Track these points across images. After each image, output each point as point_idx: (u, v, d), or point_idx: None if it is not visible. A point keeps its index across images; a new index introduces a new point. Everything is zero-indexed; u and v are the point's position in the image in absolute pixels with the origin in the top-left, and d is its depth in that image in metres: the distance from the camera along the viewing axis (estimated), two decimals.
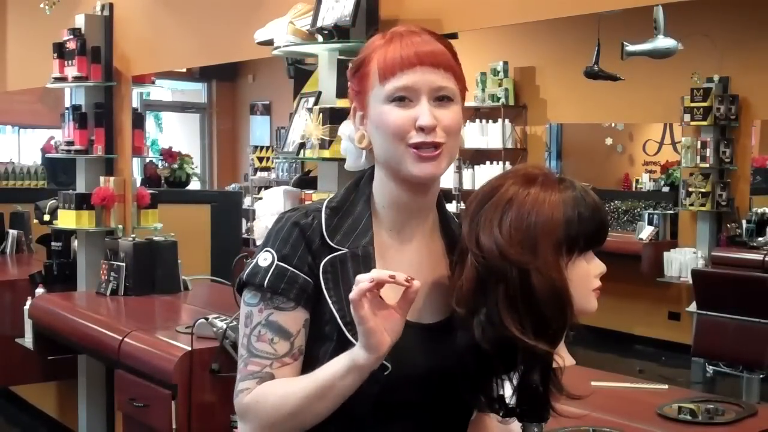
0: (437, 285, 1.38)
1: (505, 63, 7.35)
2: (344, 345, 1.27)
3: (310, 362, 1.31)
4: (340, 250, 1.33)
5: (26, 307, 4.32)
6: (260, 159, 8.40)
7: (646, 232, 6.69)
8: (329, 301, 1.30)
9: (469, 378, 1.35)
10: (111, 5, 4.60)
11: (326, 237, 1.33)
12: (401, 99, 1.31)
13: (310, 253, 1.32)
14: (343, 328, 1.28)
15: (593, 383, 2.40)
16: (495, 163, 7.31)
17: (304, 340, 1.32)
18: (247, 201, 7.52)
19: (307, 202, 1.43)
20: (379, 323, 1.19)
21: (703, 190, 6.28)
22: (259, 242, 2.18)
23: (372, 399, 1.27)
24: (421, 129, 1.30)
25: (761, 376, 4.20)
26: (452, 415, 1.38)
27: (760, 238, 5.95)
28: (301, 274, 1.31)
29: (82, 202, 4.36)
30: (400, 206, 1.37)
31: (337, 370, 1.24)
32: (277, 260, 1.31)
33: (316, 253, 1.32)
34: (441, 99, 1.32)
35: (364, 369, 1.22)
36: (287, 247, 1.32)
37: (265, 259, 1.32)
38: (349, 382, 1.23)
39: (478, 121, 7.44)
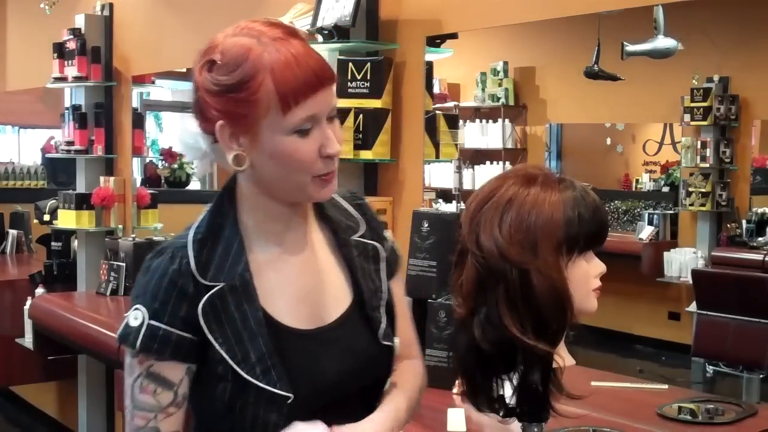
0: (331, 282, 1.34)
1: (505, 63, 7.34)
2: (242, 385, 1.23)
3: (209, 400, 1.26)
4: (216, 285, 1.24)
5: (26, 307, 4.32)
6: None
7: (646, 232, 6.68)
8: (215, 345, 1.23)
9: (469, 378, 1.35)
10: (111, 5, 4.60)
11: (198, 277, 1.24)
12: (306, 130, 1.22)
13: (185, 302, 1.24)
14: (237, 368, 1.23)
15: (593, 383, 2.39)
16: (495, 163, 7.29)
17: (188, 386, 1.26)
18: None
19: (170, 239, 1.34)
20: None
21: (703, 190, 6.27)
22: None
23: (282, 426, 1.24)
24: (327, 157, 1.24)
25: (761, 376, 4.20)
26: (368, 399, 1.36)
27: (760, 238, 5.94)
28: (175, 331, 1.23)
29: (82, 202, 4.37)
30: (279, 219, 1.30)
31: None
32: (148, 319, 1.23)
33: (193, 298, 1.24)
34: (332, 116, 1.26)
35: None
36: (157, 302, 1.24)
37: (135, 318, 1.24)
38: None
39: (477, 121, 7.44)
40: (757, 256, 5.71)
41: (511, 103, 7.43)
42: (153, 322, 1.23)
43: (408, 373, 1.43)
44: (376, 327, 1.35)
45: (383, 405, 1.35)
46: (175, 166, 5.72)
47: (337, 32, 2.90)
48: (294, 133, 1.22)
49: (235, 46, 1.23)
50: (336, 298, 1.33)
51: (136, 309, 1.25)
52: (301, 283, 1.31)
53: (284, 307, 1.28)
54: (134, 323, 1.24)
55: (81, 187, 4.59)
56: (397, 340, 1.38)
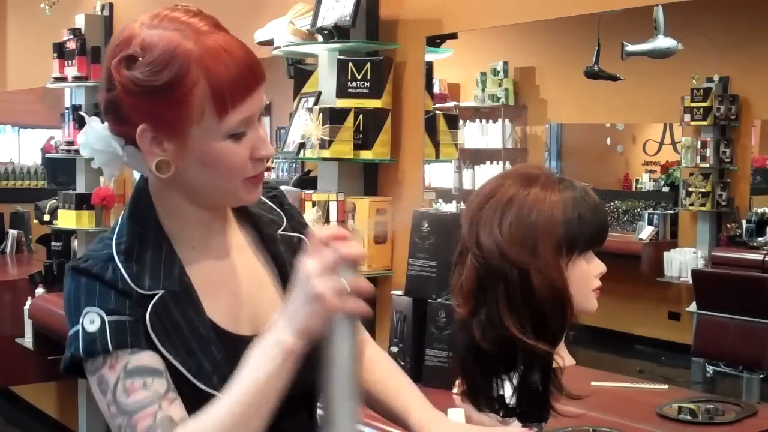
0: (262, 283, 1.27)
1: (505, 63, 7.33)
2: (199, 397, 1.12)
3: None
4: (156, 293, 1.14)
5: (26, 307, 4.33)
6: None
7: (646, 232, 6.68)
8: (169, 357, 1.12)
9: (469, 378, 1.35)
10: (111, 5, 4.60)
11: (135, 287, 1.13)
12: (240, 134, 1.12)
13: (133, 306, 1.13)
14: (194, 381, 1.13)
15: (593, 383, 2.39)
16: (495, 163, 7.28)
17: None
18: None
19: (98, 243, 1.21)
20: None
21: (703, 190, 6.26)
22: None
23: None
24: (260, 159, 1.15)
25: (761, 376, 4.20)
26: (311, 401, 1.30)
27: (760, 238, 5.93)
28: (136, 321, 1.12)
29: (82, 202, 4.38)
30: (199, 225, 1.21)
31: (269, 369, 1.05)
32: (107, 315, 1.11)
33: (137, 307, 1.13)
34: (261, 115, 1.16)
35: (297, 354, 1.06)
36: (108, 300, 1.12)
37: (91, 321, 1.10)
38: (285, 376, 1.07)
39: (477, 121, 7.44)
40: (757, 256, 5.70)
41: (511, 103, 7.42)
42: (114, 317, 1.11)
43: (392, 369, 1.41)
44: None
45: (434, 411, 1.32)
46: None
47: (337, 32, 2.90)
48: (228, 137, 1.12)
49: (160, 40, 1.09)
50: (270, 300, 1.25)
51: (87, 313, 1.11)
52: (233, 288, 1.22)
53: (222, 313, 1.19)
54: (93, 327, 1.10)
55: (81, 187, 4.59)
56: None
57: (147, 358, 1.11)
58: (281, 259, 1.28)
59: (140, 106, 1.10)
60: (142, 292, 1.13)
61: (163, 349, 1.12)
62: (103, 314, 1.11)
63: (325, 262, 1.05)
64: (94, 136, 1.16)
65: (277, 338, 1.07)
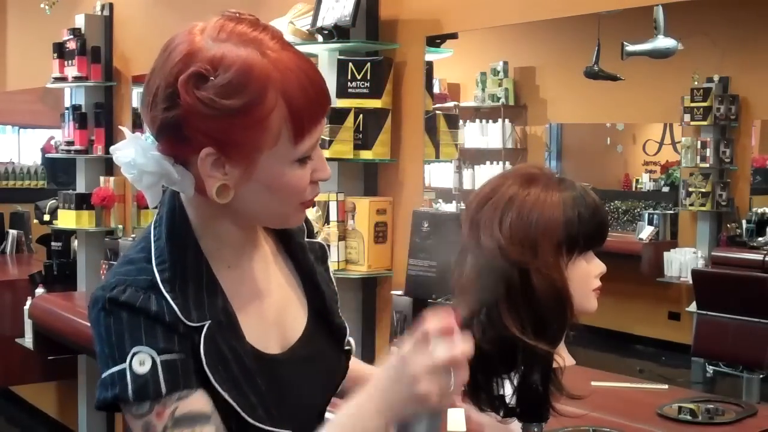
0: (289, 295, 1.23)
1: (505, 63, 7.33)
2: (245, 429, 1.09)
3: None
4: (204, 324, 1.07)
5: (26, 307, 4.33)
6: None
7: (646, 232, 6.68)
8: (222, 392, 1.07)
9: (469, 378, 1.35)
10: (111, 5, 4.61)
11: (183, 319, 1.06)
12: (307, 158, 1.08)
13: (181, 341, 1.07)
14: (243, 415, 1.08)
15: (593, 383, 2.39)
16: (495, 163, 7.28)
17: None
18: None
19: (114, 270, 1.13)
20: None
21: (703, 190, 6.26)
22: None
23: None
24: (317, 182, 1.11)
25: (761, 376, 4.20)
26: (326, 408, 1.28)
27: (760, 238, 5.93)
28: (186, 357, 1.06)
29: (82, 202, 4.38)
30: (234, 244, 1.15)
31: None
32: (158, 355, 1.04)
33: (186, 341, 1.07)
34: None
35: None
36: (152, 336, 1.05)
37: (141, 363, 1.03)
38: None
39: (477, 121, 7.44)
40: (757, 256, 5.70)
41: (511, 103, 7.41)
42: (165, 357, 1.04)
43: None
44: (341, 335, 1.27)
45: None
46: None
47: (337, 32, 2.90)
48: (296, 161, 1.06)
49: (237, 58, 1.01)
50: (295, 312, 1.22)
51: (137, 354, 1.04)
52: (264, 307, 1.18)
53: (256, 335, 1.14)
54: (143, 369, 1.04)
55: (81, 187, 4.59)
56: (352, 341, 1.30)
57: (196, 402, 1.05)
58: (308, 268, 1.26)
59: (210, 129, 1.02)
60: (190, 324, 1.07)
61: (217, 385, 1.07)
62: (154, 354, 1.04)
63: (434, 363, 0.98)
64: (143, 157, 1.06)
65: (373, 426, 1.01)
